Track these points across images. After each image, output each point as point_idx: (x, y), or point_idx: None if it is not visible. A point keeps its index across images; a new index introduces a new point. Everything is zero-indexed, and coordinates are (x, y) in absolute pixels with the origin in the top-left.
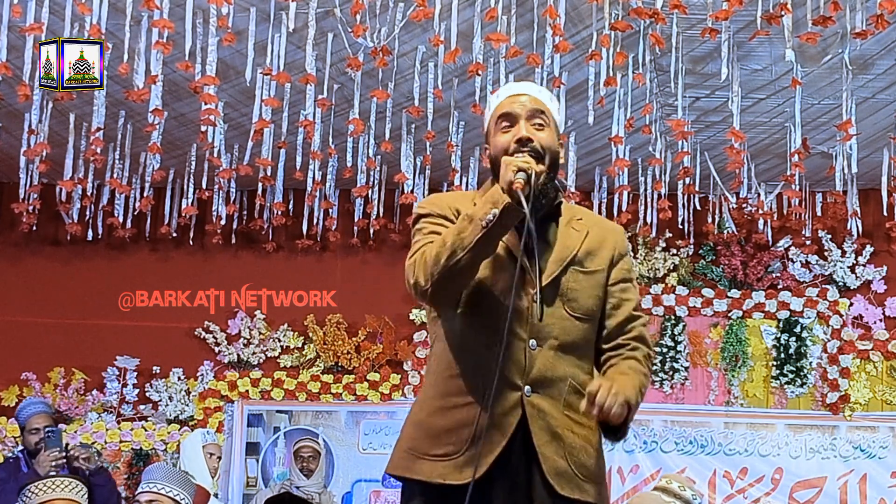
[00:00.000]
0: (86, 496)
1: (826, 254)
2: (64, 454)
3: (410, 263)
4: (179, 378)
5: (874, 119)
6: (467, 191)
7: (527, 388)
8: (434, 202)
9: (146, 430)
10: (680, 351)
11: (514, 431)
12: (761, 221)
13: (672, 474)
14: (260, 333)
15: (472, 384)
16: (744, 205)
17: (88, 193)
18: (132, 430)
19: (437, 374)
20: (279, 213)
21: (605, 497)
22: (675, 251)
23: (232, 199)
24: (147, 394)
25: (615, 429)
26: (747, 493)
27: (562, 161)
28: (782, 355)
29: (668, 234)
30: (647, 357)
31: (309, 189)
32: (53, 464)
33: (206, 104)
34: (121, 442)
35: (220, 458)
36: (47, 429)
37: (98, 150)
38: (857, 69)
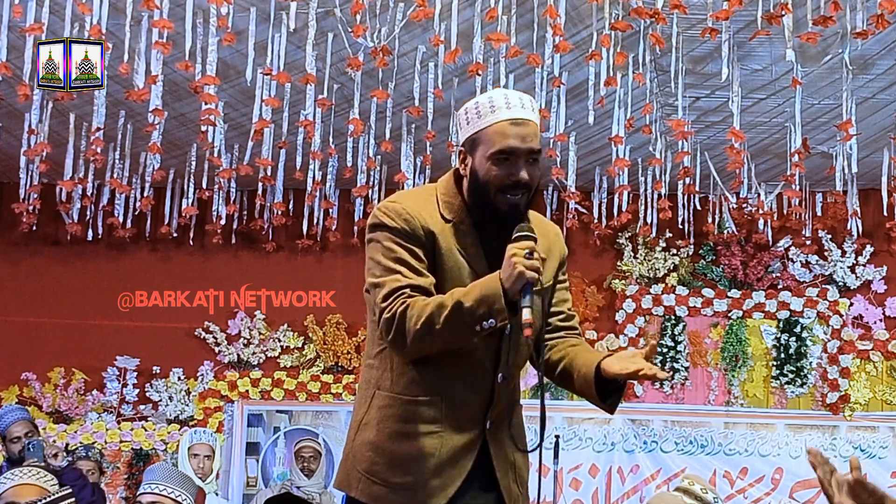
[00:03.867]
0: (55, 484)
1: (826, 254)
2: (44, 464)
3: (388, 318)
4: (179, 378)
5: (874, 119)
6: (424, 185)
7: (488, 423)
8: (402, 214)
9: (146, 430)
10: (680, 351)
11: (474, 463)
12: (761, 221)
13: (694, 475)
14: (260, 333)
15: (429, 412)
16: (744, 205)
17: (88, 193)
18: (132, 430)
19: (393, 395)
20: (279, 213)
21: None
22: (675, 251)
23: (232, 199)
24: (147, 394)
25: (613, 397)
26: (747, 493)
27: None
28: (782, 355)
29: (668, 234)
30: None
31: (309, 189)
32: None
33: (206, 104)
34: (121, 442)
35: (208, 456)
36: (28, 441)
37: (98, 150)
38: (857, 69)
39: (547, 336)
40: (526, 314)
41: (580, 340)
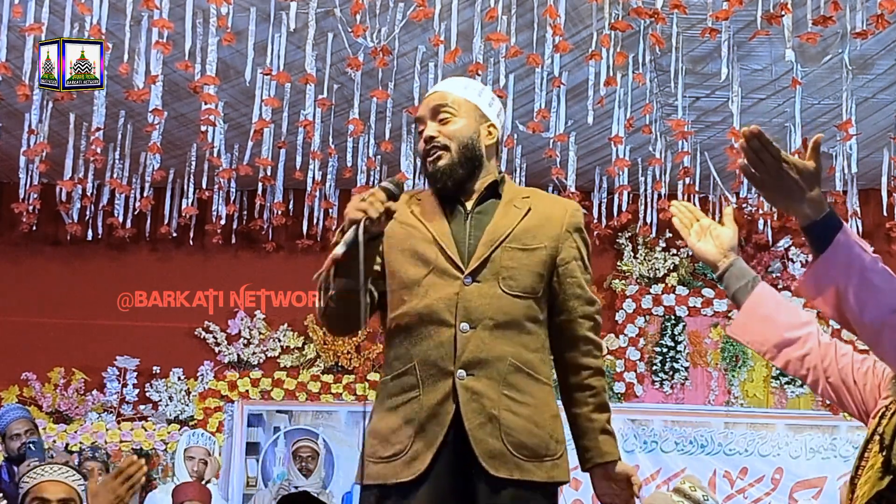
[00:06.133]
0: (81, 484)
1: None
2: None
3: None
4: (179, 378)
5: (874, 119)
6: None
7: (460, 372)
8: None
9: (146, 430)
10: (680, 351)
11: (452, 419)
12: (761, 221)
13: (688, 475)
14: (260, 333)
15: (408, 381)
16: (744, 205)
17: (88, 193)
18: (132, 430)
19: (383, 381)
20: (279, 213)
21: (561, 471)
22: (675, 251)
23: (232, 199)
24: (147, 394)
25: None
26: (747, 493)
27: (491, 140)
28: None
29: (668, 234)
30: (603, 360)
31: (309, 189)
32: None
33: (206, 104)
34: (121, 442)
35: (203, 460)
36: (28, 440)
37: (98, 150)
38: (857, 69)
39: (558, 331)
40: (339, 247)
41: (577, 389)
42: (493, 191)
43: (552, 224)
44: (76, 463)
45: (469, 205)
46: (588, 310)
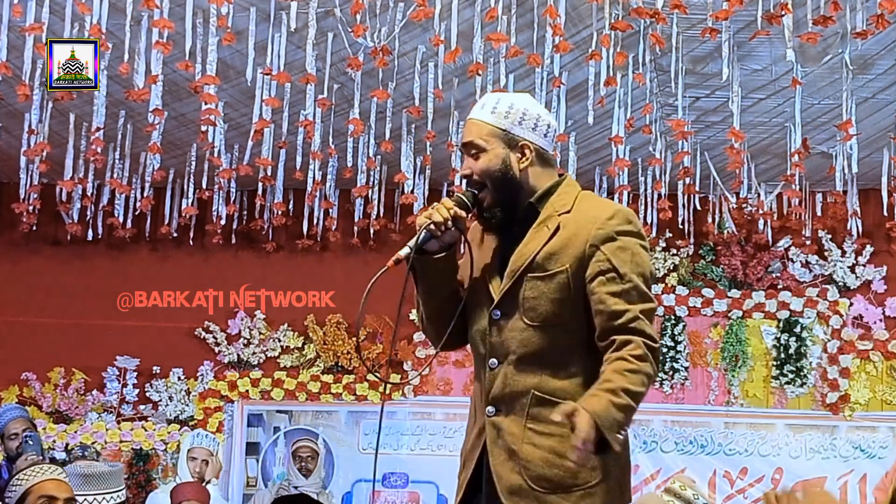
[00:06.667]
0: (68, 480)
1: (826, 254)
2: (42, 458)
3: None
4: (179, 378)
5: (874, 119)
6: None
7: (489, 408)
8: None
9: (146, 430)
10: (680, 351)
11: (481, 453)
12: (761, 221)
13: (678, 475)
14: (260, 333)
15: (471, 409)
16: (744, 205)
17: (88, 193)
18: (132, 430)
19: None
20: (279, 213)
21: (595, 500)
22: (675, 251)
23: (232, 199)
24: (147, 394)
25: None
26: (747, 493)
27: (525, 162)
28: (782, 355)
29: (668, 234)
30: (638, 348)
31: (309, 189)
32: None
33: (206, 104)
34: (121, 442)
35: (205, 461)
36: (26, 434)
37: (98, 150)
38: (857, 69)
39: (600, 345)
40: (403, 250)
41: (607, 363)
42: (534, 211)
43: (576, 242)
44: (69, 461)
45: (513, 230)
46: (610, 324)
